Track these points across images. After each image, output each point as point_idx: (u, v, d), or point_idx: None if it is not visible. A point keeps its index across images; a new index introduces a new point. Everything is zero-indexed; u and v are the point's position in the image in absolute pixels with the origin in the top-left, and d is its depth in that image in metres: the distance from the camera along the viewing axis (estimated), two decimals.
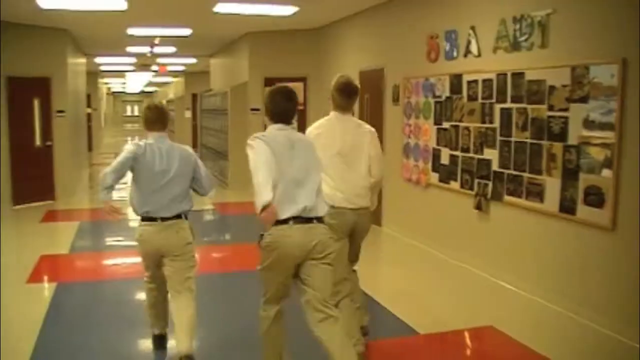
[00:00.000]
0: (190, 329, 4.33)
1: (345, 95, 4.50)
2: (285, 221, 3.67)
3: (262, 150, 3.62)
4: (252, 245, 8.49)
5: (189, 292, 4.47)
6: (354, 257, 4.76)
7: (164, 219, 4.39)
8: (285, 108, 3.85)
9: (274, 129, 3.83)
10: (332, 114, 4.59)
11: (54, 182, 12.17)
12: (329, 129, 4.48)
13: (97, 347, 4.92)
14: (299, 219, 3.69)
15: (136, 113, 53.51)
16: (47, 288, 6.56)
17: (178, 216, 4.44)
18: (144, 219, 4.44)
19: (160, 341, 4.86)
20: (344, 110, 4.55)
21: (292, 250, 3.71)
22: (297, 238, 3.68)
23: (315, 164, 3.88)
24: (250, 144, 3.69)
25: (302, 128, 13.03)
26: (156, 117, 4.53)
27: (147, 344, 5.02)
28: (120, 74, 26.01)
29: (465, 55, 7.23)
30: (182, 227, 4.46)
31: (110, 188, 4.24)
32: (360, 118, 9.96)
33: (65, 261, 7.77)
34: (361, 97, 10.20)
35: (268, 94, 3.88)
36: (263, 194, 3.43)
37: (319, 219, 3.78)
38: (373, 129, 4.66)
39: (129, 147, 4.40)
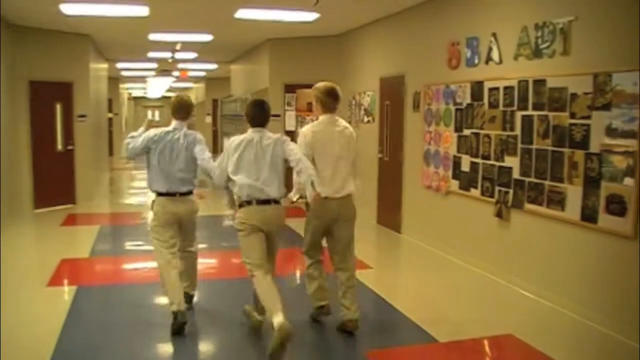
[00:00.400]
0: (195, 275, 5.91)
1: (332, 98, 5.25)
2: (249, 202, 4.92)
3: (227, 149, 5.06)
4: None
5: (194, 250, 5.85)
6: (347, 243, 5.36)
7: (181, 194, 5.48)
8: (260, 116, 5.07)
9: (251, 130, 5.07)
10: (323, 117, 5.25)
11: (75, 186, 12.29)
12: (326, 133, 5.15)
13: (117, 350, 4.97)
14: (260, 201, 4.90)
15: (157, 118, 53.69)
16: (67, 291, 6.63)
17: (189, 192, 5.54)
18: (163, 194, 5.46)
19: (178, 316, 5.29)
20: (332, 111, 5.27)
21: (259, 223, 4.91)
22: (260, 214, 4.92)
23: (279, 157, 4.99)
24: (229, 141, 5.07)
25: None
26: (179, 106, 5.58)
27: (166, 347, 5.08)
28: (141, 79, 26.20)
29: (487, 62, 7.22)
30: (191, 200, 5.58)
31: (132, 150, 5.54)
32: (381, 125, 10.08)
33: (85, 265, 7.84)
34: (381, 103, 10.21)
35: (247, 106, 5.13)
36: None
37: (276, 201, 4.94)
38: (353, 130, 5.39)
39: (146, 134, 5.55)
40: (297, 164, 4.88)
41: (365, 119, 10.88)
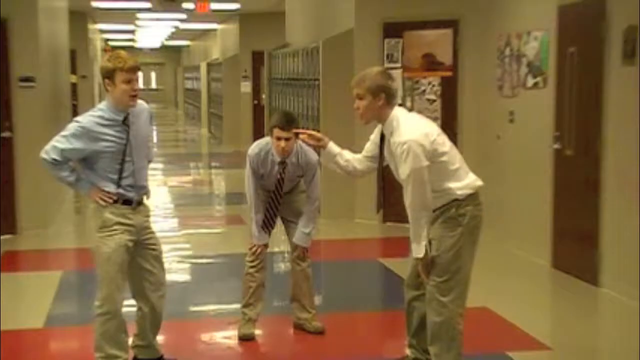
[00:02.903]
0: None
1: None
2: None
3: None
4: (362, 314, 8.36)
5: None
6: None
7: None
8: None
9: None
10: None
11: (15, 204, 12.44)
12: None
13: None
14: None
15: (154, 85, 54.53)
16: None
17: None
18: None
19: None
20: None
21: None
22: None
23: None
24: None
25: (451, 103, 12.87)
26: None
27: None
28: (126, 15, 26.52)
29: None
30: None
31: None
32: (559, 91, 10.03)
33: (38, 342, 7.96)
34: (560, 52, 10.09)
35: None
36: None
37: None
38: None
39: None
40: None
41: (530, 82, 10.83)
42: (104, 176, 6.43)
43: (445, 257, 6.13)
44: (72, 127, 6.38)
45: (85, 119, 6.42)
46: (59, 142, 6.33)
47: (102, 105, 6.47)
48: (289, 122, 7.47)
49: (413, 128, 6.10)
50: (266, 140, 7.69)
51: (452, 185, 6.19)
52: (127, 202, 6.48)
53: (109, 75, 6.35)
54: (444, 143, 6.20)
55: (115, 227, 6.40)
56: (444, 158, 6.12)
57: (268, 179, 7.61)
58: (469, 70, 12.57)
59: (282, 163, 7.52)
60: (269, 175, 7.58)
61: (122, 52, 6.62)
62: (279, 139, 7.38)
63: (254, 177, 7.59)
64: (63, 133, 6.37)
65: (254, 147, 7.65)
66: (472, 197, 6.26)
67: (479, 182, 6.34)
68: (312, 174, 7.73)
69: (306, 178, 7.74)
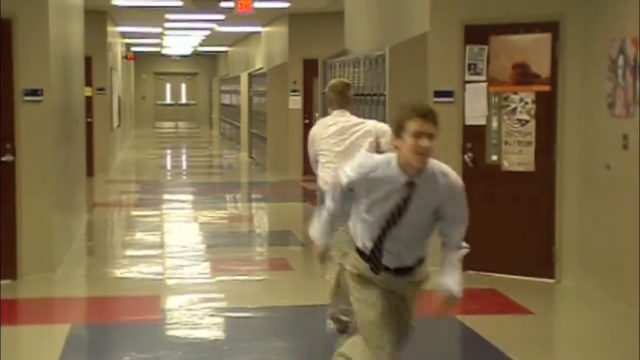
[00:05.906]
0: None
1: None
2: None
3: None
4: None
5: None
6: None
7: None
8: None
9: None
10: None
11: (16, 242, 12.40)
12: None
13: None
14: None
15: (183, 99, 54.60)
16: None
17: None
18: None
19: None
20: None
21: None
22: None
23: None
24: None
25: (549, 124, 12.77)
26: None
27: None
28: (153, 16, 26.62)
29: None
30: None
31: None
32: None
33: None
34: None
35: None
36: None
37: None
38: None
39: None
40: None
41: None
42: None
43: None
44: None
45: None
46: None
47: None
48: (430, 112, 5.88)
49: None
50: (383, 157, 6.13)
51: None
52: None
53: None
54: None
55: None
56: None
57: (377, 209, 5.99)
58: (572, 84, 12.40)
59: (411, 184, 5.88)
60: (383, 204, 5.95)
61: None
62: (418, 135, 5.72)
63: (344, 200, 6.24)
64: None
65: (366, 161, 6.17)
66: None
67: None
68: (459, 202, 6.10)
69: (449, 211, 6.08)
